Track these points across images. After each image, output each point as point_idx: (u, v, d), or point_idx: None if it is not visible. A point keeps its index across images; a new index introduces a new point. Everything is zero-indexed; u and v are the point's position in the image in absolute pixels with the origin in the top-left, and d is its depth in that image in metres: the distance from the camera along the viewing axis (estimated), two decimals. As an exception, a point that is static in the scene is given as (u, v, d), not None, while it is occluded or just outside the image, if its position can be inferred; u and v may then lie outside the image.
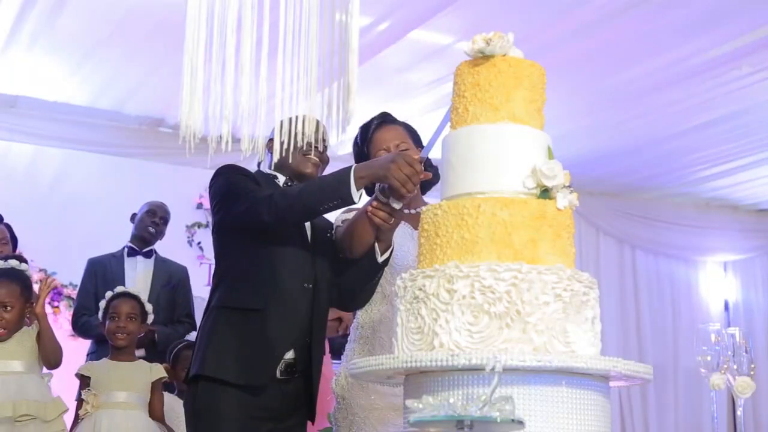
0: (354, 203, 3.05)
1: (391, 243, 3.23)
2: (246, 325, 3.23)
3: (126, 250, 5.83)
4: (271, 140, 3.37)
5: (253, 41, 2.26)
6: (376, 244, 3.20)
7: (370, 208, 3.09)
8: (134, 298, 4.54)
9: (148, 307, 4.57)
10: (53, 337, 4.20)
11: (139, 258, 5.81)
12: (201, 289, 7.21)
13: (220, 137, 2.30)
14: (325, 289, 3.39)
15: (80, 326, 5.62)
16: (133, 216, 5.96)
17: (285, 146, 3.12)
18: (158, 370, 4.42)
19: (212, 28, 2.25)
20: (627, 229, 9.66)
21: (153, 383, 4.35)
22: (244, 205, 3.19)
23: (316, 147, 3.34)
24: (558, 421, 2.23)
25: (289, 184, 3.41)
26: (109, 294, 4.59)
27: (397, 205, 3.06)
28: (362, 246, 3.21)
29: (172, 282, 5.76)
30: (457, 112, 2.64)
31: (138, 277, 5.68)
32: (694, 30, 5.87)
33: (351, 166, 3.05)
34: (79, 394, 4.35)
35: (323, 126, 3.39)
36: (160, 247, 6.02)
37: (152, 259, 5.84)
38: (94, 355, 5.34)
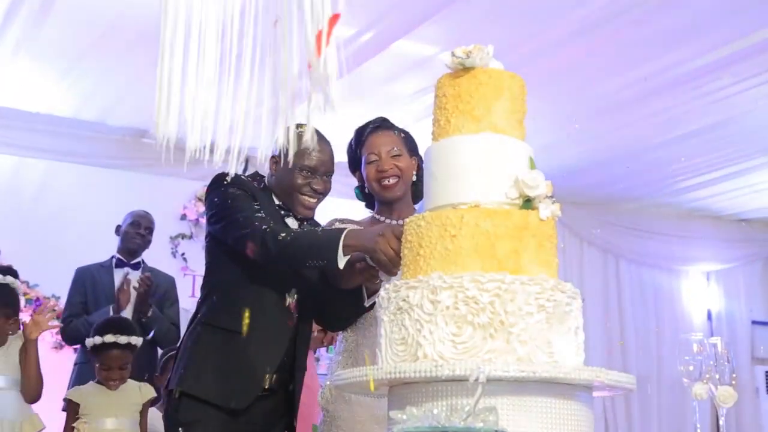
0: (339, 268, 2.98)
1: (379, 288, 3.24)
2: (228, 346, 3.23)
3: (114, 260, 5.84)
4: (273, 157, 3.35)
5: (234, 49, 2.25)
6: (364, 288, 3.21)
7: (358, 265, 3.06)
8: (125, 347, 4.33)
9: (137, 341, 4.37)
10: (38, 370, 4.12)
11: (128, 269, 5.79)
12: (185, 300, 7.18)
13: (205, 147, 2.29)
14: (309, 313, 3.41)
15: (68, 333, 5.56)
16: (118, 228, 5.93)
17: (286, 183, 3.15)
18: (148, 391, 4.33)
19: (189, 36, 2.23)
20: (610, 239, 9.69)
21: (144, 404, 4.27)
22: (237, 231, 3.17)
23: (315, 189, 3.34)
24: (542, 432, 2.24)
25: (284, 206, 3.40)
26: (98, 340, 4.34)
27: (384, 279, 3.04)
28: (348, 286, 3.22)
29: (158, 292, 5.74)
30: (439, 124, 2.64)
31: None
32: (676, 40, 5.90)
33: (343, 231, 2.99)
34: (68, 420, 4.24)
35: (331, 152, 3.37)
36: (144, 258, 6.00)
37: (140, 271, 5.81)
38: (82, 365, 5.27)
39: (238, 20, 2.18)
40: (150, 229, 5.96)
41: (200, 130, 2.14)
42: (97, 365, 4.31)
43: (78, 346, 5.72)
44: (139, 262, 5.89)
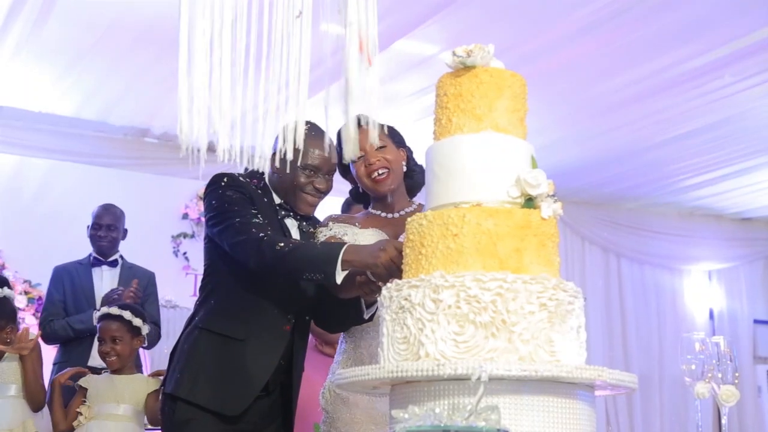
0: (336, 283, 2.96)
1: (377, 301, 3.24)
2: (225, 352, 3.23)
3: (91, 258, 5.71)
4: (274, 154, 3.33)
5: (242, 48, 2.26)
6: (362, 299, 3.19)
7: (359, 278, 3.03)
8: (117, 318, 4.33)
9: (137, 322, 4.35)
10: (36, 380, 4.14)
11: (105, 267, 5.69)
12: (187, 299, 7.17)
13: (208, 147, 2.29)
14: (307, 317, 3.42)
15: (46, 333, 5.43)
16: (88, 228, 5.78)
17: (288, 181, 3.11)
18: (155, 383, 4.34)
19: (202, 35, 2.23)
20: (612, 238, 9.70)
21: (149, 394, 4.28)
22: (233, 237, 3.15)
23: (318, 188, 3.34)
24: (544, 431, 2.24)
25: (285, 206, 3.40)
26: (97, 314, 4.45)
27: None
28: (346, 297, 3.20)
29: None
30: (440, 124, 2.64)
31: (105, 286, 5.56)
32: (677, 39, 5.90)
33: (343, 246, 2.97)
34: (73, 403, 4.25)
35: (334, 149, 3.34)
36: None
37: (118, 267, 5.70)
38: (61, 365, 5.22)
39: (246, 20, 2.18)
40: (112, 226, 5.74)
41: (225, 133, 2.14)
42: (98, 345, 4.37)
43: (58, 346, 5.64)
44: (116, 260, 5.74)
